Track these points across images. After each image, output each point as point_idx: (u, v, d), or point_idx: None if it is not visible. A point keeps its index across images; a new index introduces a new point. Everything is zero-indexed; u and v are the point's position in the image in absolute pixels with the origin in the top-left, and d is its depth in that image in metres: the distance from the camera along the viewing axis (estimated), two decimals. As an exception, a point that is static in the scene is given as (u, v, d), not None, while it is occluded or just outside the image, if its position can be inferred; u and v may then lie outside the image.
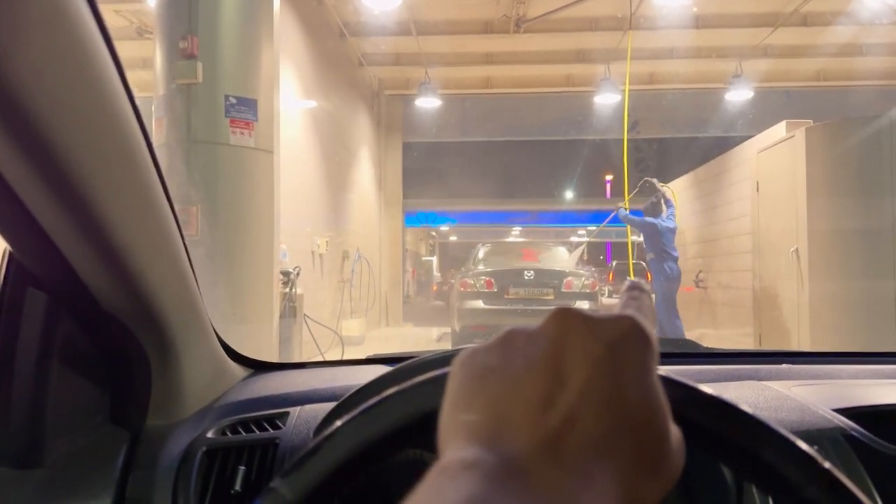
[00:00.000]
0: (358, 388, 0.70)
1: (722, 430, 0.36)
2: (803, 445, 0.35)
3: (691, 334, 8.78)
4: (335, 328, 7.36)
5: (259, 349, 4.48)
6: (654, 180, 7.65)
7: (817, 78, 10.92)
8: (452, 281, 9.41)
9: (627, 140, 7.98)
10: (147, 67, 5.31)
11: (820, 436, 0.72)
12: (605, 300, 8.25)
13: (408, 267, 15.43)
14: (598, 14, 8.43)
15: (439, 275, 21.03)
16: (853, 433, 0.72)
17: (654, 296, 6.95)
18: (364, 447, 0.42)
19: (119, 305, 0.67)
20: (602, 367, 0.29)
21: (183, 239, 0.71)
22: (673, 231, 7.22)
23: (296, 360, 5.66)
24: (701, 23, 8.75)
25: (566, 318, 0.31)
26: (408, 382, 0.42)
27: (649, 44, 9.28)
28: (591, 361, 0.29)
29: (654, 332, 0.32)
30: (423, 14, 8.68)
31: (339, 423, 0.43)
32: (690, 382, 0.37)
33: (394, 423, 0.42)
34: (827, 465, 0.34)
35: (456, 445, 0.29)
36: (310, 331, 6.00)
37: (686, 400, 0.36)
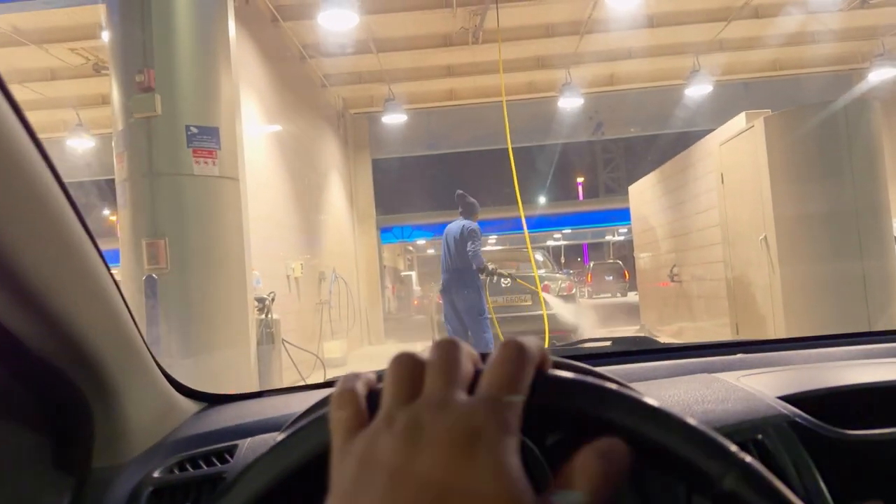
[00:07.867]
0: (298, 414, 0.69)
1: (638, 427, 0.36)
2: (720, 439, 0.36)
3: (670, 329, 8.86)
4: (316, 351, 7.29)
5: (238, 377, 4.43)
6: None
7: (773, 68, 11.14)
8: (432, 294, 9.38)
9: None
10: (106, 104, 5.25)
11: (765, 424, 0.72)
12: (583, 301, 8.23)
13: (387, 283, 15.38)
14: (554, 21, 8.54)
15: (419, 289, 20.98)
16: (797, 419, 0.72)
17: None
18: (279, 480, 0.41)
19: (49, 349, 0.66)
20: None
21: (112, 276, 0.70)
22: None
23: (276, 386, 5.60)
24: (656, 21, 8.89)
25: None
26: (317, 412, 0.41)
27: (607, 46, 9.40)
28: None
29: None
30: (382, 31, 8.72)
31: (254, 458, 0.43)
32: (607, 384, 0.38)
33: (307, 454, 0.41)
34: (747, 458, 0.35)
35: None
36: (289, 356, 5.95)
37: (604, 402, 0.37)
